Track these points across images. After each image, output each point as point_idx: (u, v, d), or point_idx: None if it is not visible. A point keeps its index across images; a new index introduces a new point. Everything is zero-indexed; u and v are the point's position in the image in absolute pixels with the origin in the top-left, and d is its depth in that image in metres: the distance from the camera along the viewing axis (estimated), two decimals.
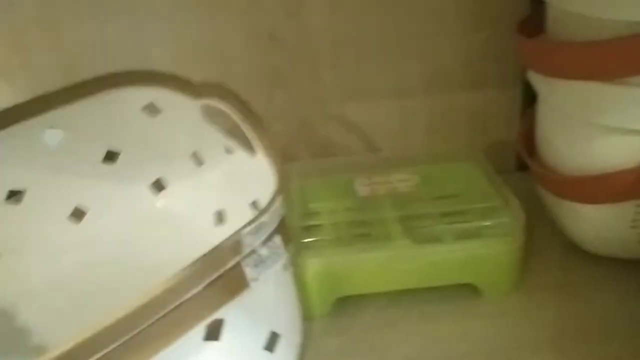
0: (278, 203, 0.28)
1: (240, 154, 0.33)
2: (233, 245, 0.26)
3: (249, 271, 0.27)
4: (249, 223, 0.26)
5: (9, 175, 0.35)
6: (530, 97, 0.50)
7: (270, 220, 0.27)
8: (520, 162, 0.54)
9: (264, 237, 0.27)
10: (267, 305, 0.31)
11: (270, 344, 0.31)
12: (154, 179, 0.41)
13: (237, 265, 0.27)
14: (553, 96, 0.39)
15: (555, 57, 0.37)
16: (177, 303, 0.24)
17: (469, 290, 0.41)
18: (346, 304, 0.40)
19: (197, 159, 0.37)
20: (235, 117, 0.31)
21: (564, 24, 0.37)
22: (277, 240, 0.29)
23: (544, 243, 0.45)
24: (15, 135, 0.34)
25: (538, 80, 0.40)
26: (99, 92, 0.36)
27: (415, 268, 0.40)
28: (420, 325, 0.39)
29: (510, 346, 0.37)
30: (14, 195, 0.36)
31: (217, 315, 0.27)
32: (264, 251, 0.28)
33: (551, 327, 0.38)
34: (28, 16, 0.46)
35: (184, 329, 0.25)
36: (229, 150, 0.33)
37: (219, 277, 0.26)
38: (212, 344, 0.28)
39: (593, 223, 0.40)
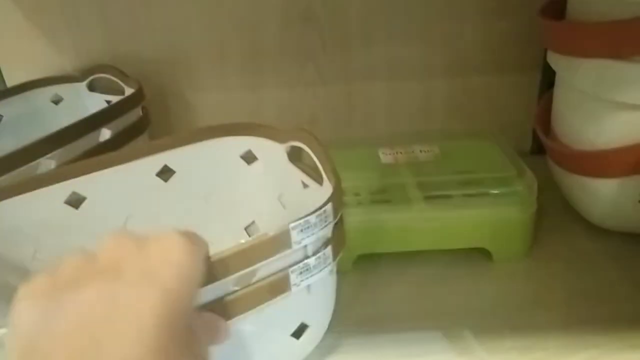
0: (330, 210, 0.30)
1: (313, 185, 0.37)
2: (281, 235, 0.28)
3: (293, 278, 0.30)
4: (298, 219, 0.28)
5: (123, 205, 0.40)
6: (547, 82, 0.53)
7: (319, 223, 0.29)
8: (536, 145, 0.56)
9: (312, 240, 0.29)
10: (304, 301, 0.33)
11: (298, 333, 0.34)
12: (249, 221, 0.44)
13: (285, 270, 0.29)
14: (570, 74, 0.42)
15: (577, 36, 0.40)
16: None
17: (481, 254, 0.43)
18: (367, 260, 0.43)
19: (282, 202, 0.41)
20: (314, 155, 0.35)
21: (583, 7, 0.40)
22: (328, 251, 0.31)
23: (556, 218, 0.48)
24: (133, 171, 0.39)
25: (558, 60, 0.43)
26: (203, 140, 0.40)
27: (431, 230, 0.42)
28: (434, 283, 0.42)
29: (519, 305, 0.40)
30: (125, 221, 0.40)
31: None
32: (312, 261, 0.30)
33: (559, 290, 0.41)
34: None
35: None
36: (305, 185, 0.37)
37: (264, 278, 0.29)
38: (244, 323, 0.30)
39: (602, 197, 0.43)
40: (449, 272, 0.43)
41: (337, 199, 0.30)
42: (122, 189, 0.39)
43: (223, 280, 0.27)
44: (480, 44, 0.54)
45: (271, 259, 0.28)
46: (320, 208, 0.29)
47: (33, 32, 0.52)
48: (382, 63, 0.55)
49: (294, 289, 0.30)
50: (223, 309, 0.28)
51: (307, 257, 0.30)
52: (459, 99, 0.56)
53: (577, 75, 0.41)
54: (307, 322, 0.34)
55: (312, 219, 0.29)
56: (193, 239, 0.24)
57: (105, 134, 0.46)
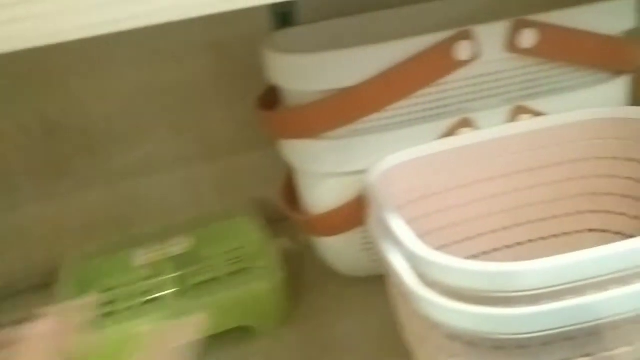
0: None
1: None
2: None
3: None
4: None
5: None
6: None
7: None
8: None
9: None
10: None
11: None
12: None
13: None
14: (285, 153, 0.47)
15: (274, 123, 0.45)
16: None
17: (245, 331, 0.46)
18: None
19: None
20: None
21: (287, 98, 0.45)
22: None
23: (310, 276, 0.52)
24: None
25: (280, 142, 0.48)
26: None
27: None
28: None
29: None
30: None
31: None
32: None
33: (318, 348, 0.45)
34: None
35: None
36: None
37: None
38: None
39: (337, 251, 0.48)
40: (218, 356, 0.45)
41: None
42: None
43: None
44: (228, 126, 0.58)
45: None
46: None
47: None
48: (138, 160, 0.56)
49: None
50: None
51: None
52: (216, 180, 0.59)
53: (287, 154, 0.46)
54: None
55: None
56: None
57: None
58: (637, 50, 0.44)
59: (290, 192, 0.53)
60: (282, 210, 0.51)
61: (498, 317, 0.28)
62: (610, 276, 0.28)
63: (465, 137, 0.41)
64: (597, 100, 0.44)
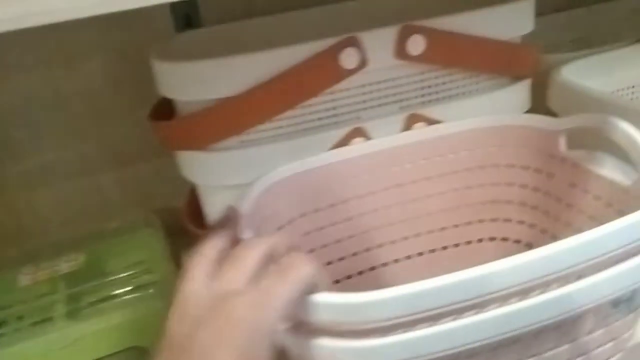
0: None
1: None
2: None
3: None
4: None
5: None
6: None
7: None
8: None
9: None
10: None
11: None
12: None
13: None
14: (179, 166, 0.45)
15: (162, 134, 0.43)
16: None
17: (141, 352, 0.44)
18: None
19: None
20: None
21: (175, 105, 0.43)
22: None
23: None
24: None
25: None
26: None
27: (81, 344, 0.42)
28: None
29: None
30: None
31: None
32: None
33: None
34: None
35: None
36: None
37: None
38: None
39: None
40: None
41: None
42: None
43: None
44: (133, 133, 0.55)
45: None
46: None
47: None
48: (35, 169, 0.53)
49: None
50: None
51: None
52: (121, 190, 0.57)
53: (181, 165, 0.44)
54: None
55: None
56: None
57: None
58: (534, 54, 0.44)
59: (196, 204, 0.51)
60: (184, 224, 0.49)
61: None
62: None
63: (357, 148, 0.40)
64: (496, 107, 0.43)
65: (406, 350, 0.26)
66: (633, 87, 0.53)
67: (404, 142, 0.41)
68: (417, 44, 0.38)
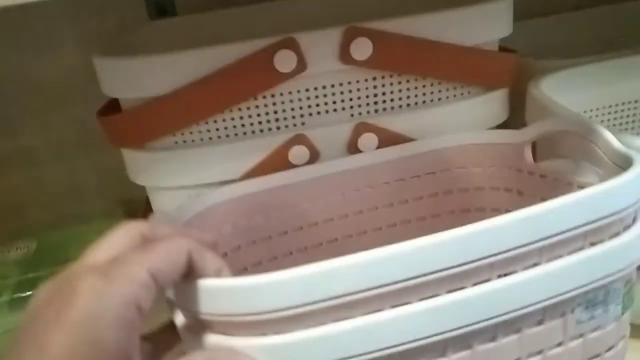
0: None
1: None
2: None
3: None
4: None
5: None
6: None
7: None
8: None
9: None
10: None
11: None
12: None
13: None
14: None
15: (104, 129, 0.41)
16: None
17: None
18: None
19: None
20: None
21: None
22: None
23: None
24: None
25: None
26: None
27: None
28: None
29: None
30: None
31: None
32: None
33: None
34: None
35: None
36: None
37: None
38: None
39: None
40: None
41: None
42: None
43: None
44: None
45: None
46: None
47: None
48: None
49: None
50: None
51: None
52: (75, 180, 0.57)
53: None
54: None
55: None
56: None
57: None
58: (510, 62, 0.39)
59: None
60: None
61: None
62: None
63: (308, 169, 0.37)
64: (463, 118, 0.39)
65: (313, 350, 0.22)
66: (632, 102, 0.47)
67: (359, 164, 0.37)
68: (363, 48, 0.35)
